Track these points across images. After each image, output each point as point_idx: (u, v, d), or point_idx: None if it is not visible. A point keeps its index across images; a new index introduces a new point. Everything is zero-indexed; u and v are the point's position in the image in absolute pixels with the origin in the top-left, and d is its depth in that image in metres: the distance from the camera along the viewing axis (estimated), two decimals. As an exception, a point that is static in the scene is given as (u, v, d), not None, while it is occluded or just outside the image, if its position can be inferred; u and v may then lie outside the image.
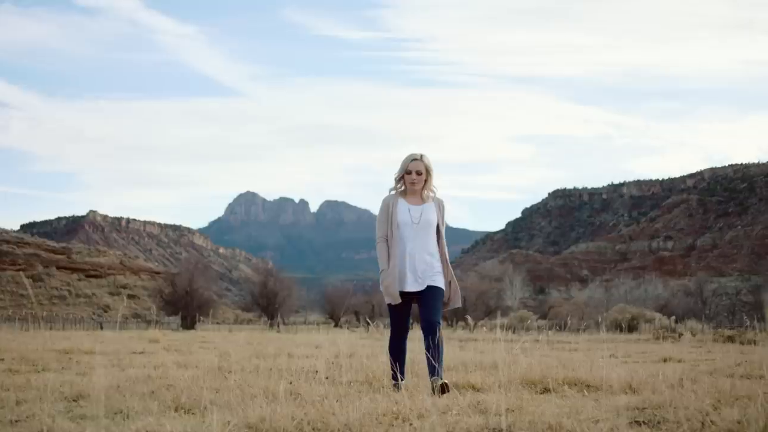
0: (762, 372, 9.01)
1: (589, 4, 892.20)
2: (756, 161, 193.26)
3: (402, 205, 7.18)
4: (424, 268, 7.05)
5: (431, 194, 7.28)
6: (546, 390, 6.93)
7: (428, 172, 7.17)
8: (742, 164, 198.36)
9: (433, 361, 6.63)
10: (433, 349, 6.69)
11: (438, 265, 7.13)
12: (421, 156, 7.16)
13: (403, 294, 6.95)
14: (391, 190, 7.32)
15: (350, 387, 6.53)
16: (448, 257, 7.24)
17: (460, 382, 7.10)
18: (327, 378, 7.08)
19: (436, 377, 6.58)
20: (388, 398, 5.64)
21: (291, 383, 6.21)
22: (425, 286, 7.00)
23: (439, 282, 7.06)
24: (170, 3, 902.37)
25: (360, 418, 4.87)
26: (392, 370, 6.94)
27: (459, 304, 7.14)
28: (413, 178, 7.12)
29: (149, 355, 12.88)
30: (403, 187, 7.26)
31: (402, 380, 6.76)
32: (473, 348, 15.73)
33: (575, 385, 7.11)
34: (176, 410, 5.47)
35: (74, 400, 6.10)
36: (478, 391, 6.75)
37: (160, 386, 6.56)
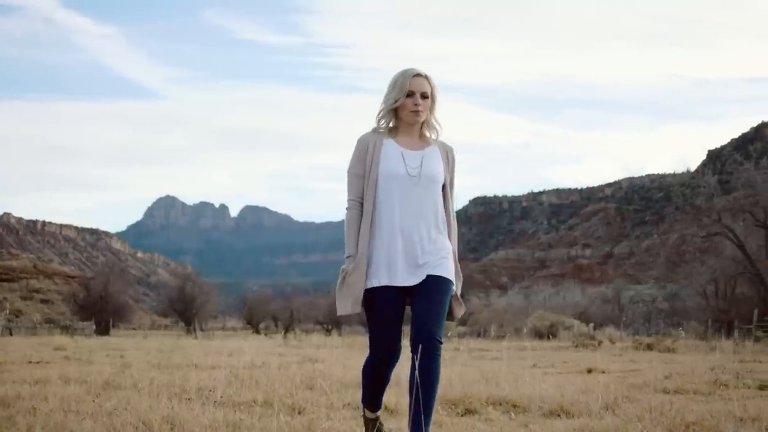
0: (694, 386, 8.60)
1: (507, 12, 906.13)
2: (672, 171, 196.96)
3: (391, 147, 4.57)
4: (425, 248, 4.48)
5: (434, 133, 4.68)
6: (468, 411, 6.22)
7: (434, 98, 4.59)
8: (658, 174, 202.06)
9: (418, 409, 4.19)
10: (424, 383, 4.22)
11: (446, 245, 4.56)
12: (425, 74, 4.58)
13: (388, 289, 4.44)
14: (377, 129, 4.67)
15: (246, 410, 5.71)
16: (457, 237, 4.71)
17: (373, 403, 6.33)
18: (221, 397, 6.26)
19: None
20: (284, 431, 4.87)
21: (173, 408, 5.39)
22: (425, 276, 4.44)
23: (447, 270, 4.48)
24: (88, 3, 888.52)
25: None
26: (364, 400, 4.77)
27: (460, 313, 4.62)
28: (416, 103, 4.50)
29: (43, 366, 11.94)
30: (392, 125, 4.64)
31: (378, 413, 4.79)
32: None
33: (500, 405, 6.43)
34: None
35: None
36: (391, 413, 6.00)
37: (23, 409, 5.68)
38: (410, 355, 4.20)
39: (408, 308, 4.55)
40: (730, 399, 7.22)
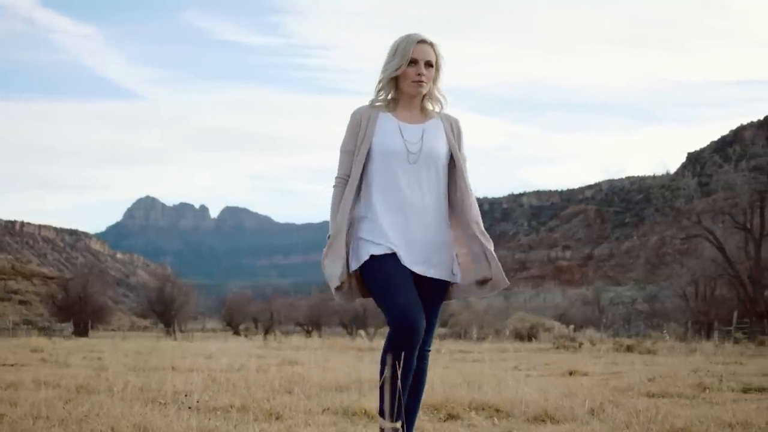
0: (678, 389, 8.49)
1: (489, 14, 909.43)
2: (652, 174, 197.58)
3: (387, 121, 4.08)
4: (426, 237, 3.99)
5: (437, 106, 4.18)
6: (450, 416, 6.06)
7: (439, 68, 4.13)
8: (638, 176, 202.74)
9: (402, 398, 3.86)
10: (410, 388, 3.97)
11: (447, 236, 4.07)
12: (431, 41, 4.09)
13: (394, 257, 3.90)
14: (374, 102, 4.18)
15: (222, 416, 5.54)
16: (478, 215, 4.08)
17: (353, 407, 6.14)
18: (197, 402, 6.08)
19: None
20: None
21: (145, 414, 5.20)
22: (428, 273, 3.99)
23: (446, 269, 4.04)
24: (67, 2, 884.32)
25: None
26: (382, 402, 3.89)
27: (505, 282, 4.02)
28: (420, 72, 4.02)
29: (18, 368, 11.71)
30: (391, 96, 4.14)
31: (398, 423, 3.87)
32: (370, 359, 14.95)
33: (483, 409, 6.27)
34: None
35: None
36: (372, 418, 5.84)
37: (-10, 415, 5.50)
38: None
39: None
40: (716, 403, 7.14)
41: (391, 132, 4.04)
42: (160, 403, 6.19)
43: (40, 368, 11.64)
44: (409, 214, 3.97)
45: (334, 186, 4.12)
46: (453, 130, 4.17)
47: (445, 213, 4.11)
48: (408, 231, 3.95)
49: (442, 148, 4.09)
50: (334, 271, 3.95)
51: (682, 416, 5.55)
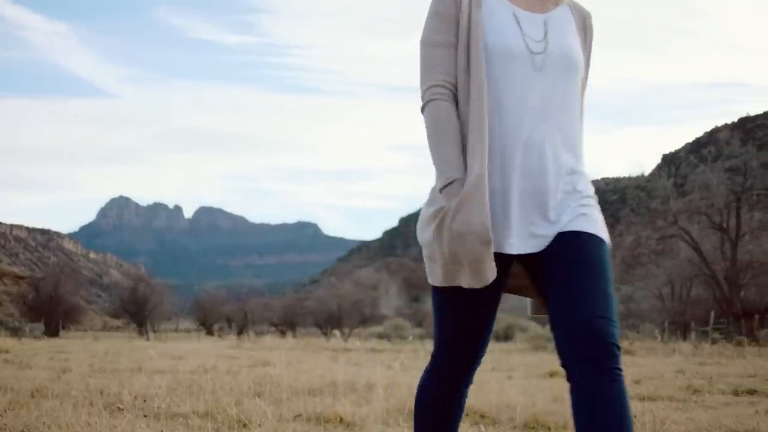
0: (668, 392, 8.15)
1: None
2: (627, 175, 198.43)
3: (497, 3, 2.44)
4: (558, 185, 2.40)
5: None
6: (432, 423, 5.65)
7: None
8: (613, 177, 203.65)
9: None
10: (603, 425, 2.13)
11: (589, 184, 2.48)
12: None
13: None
14: None
15: (182, 423, 5.06)
16: (583, 148, 2.57)
17: (326, 414, 5.65)
18: (158, 408, 5.61)
19: None
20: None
21: (95, 423, 4.72)
22: (555, 234, 2.38)
23: (595, 224, 2.39)
24: None
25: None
26: None
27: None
28: None
29: (-24, 370, 11.17)
30: None
31: None
32: (346, 360, 14.57)
33: (468, 415, 5.84)
34: None
35: None
36: (348, 426, 5.38)
37: (-75, 424, 5.02)
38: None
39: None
40: (710, 407, 6.81)
41: (505, 22, 2.43)
42: (118, 408, 5.72)
43: (1, 370, 11.14)
44: (532, 150, 2.38)
45: (429, 100, 2.42)
46: (585, 29, 2.62)
47: (582, 147, 2.57)
48: (530, 177, 2.38)
49: (576, 51, 2.50)
50: (483, 244, 2.25)
51: (682, 422, 5.17)
